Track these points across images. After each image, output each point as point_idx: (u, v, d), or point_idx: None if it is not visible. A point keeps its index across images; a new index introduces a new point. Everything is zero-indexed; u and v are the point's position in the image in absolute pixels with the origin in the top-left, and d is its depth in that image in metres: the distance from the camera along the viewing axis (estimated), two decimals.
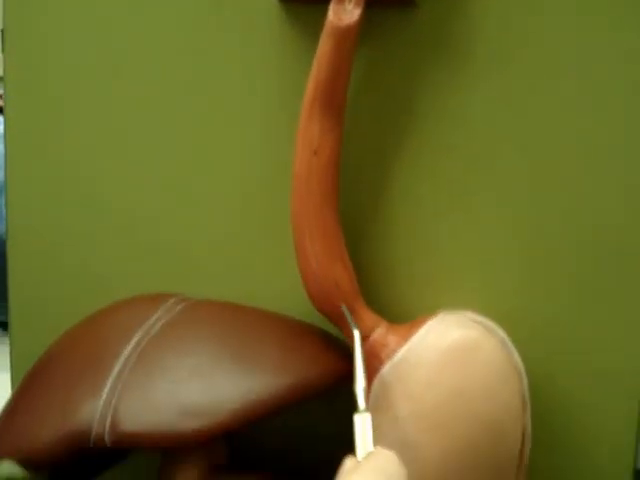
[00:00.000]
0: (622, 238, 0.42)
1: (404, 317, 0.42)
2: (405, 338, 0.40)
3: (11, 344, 0.53)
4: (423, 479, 0.38)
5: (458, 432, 0.38)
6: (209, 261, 0.48)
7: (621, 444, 0.44)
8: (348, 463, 0.32)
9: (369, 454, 0.33)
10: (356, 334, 0.38)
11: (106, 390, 0.38)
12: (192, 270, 0.49)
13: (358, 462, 0.32)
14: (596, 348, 0.44)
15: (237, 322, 0.42)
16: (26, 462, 0.37)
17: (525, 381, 0.40)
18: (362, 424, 0.34)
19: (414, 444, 0.38)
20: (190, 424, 0.36)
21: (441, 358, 0.38)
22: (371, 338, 0.40)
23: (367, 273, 0.45)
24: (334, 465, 0.41)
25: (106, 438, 0.36)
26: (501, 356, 0.39)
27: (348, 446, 0.34)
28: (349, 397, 0.41)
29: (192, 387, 0.37)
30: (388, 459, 0.32)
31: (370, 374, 0.40)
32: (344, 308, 0.41)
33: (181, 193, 0.49)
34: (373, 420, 0.39)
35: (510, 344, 0.40)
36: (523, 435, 0.40)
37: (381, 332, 0.41)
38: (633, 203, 0.42)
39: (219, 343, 0.40)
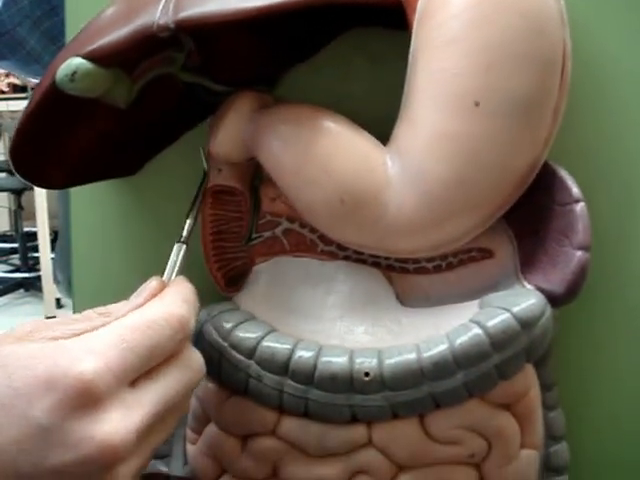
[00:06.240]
0: None
1: None
2: None
3: None
4: (464, 83, 0.40)
5: (500, 23, 0.40)
6: None
7: None
8: (154, 281, 0.38)
9: (174, 280, 0.39)
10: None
11: None
12: None
13: (163, 282, 0.38)
14: None
15: None
16: (93, 57, 0.39)
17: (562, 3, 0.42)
18: (177, 253, 0.41)
19: (457, 39, 0.40)
20: (252, 4, 0.37)
21: None
22: None
23: None
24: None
25: (170, 25, 0.38)
26: None
27: None
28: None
29: None
30: (188, 287, 0.38)
31: None
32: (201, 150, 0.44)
33: None
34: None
35: None
36: (564, 51, 0.41)
37: None
38: None
39: None
